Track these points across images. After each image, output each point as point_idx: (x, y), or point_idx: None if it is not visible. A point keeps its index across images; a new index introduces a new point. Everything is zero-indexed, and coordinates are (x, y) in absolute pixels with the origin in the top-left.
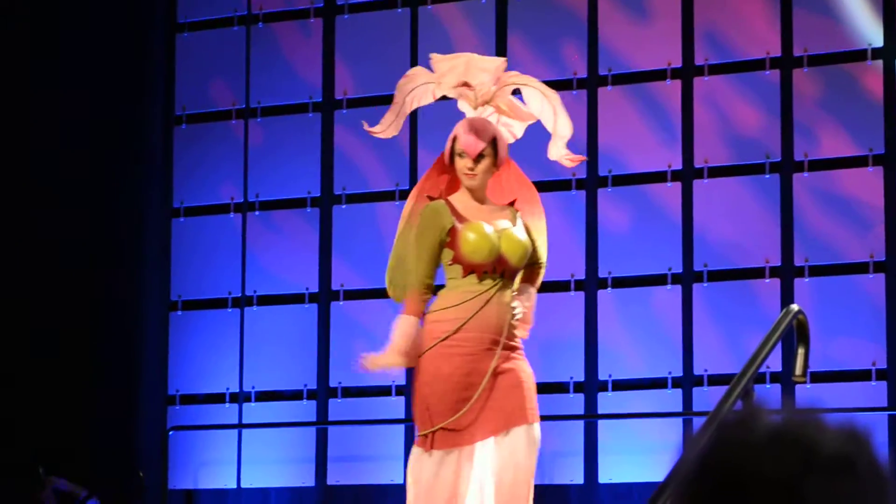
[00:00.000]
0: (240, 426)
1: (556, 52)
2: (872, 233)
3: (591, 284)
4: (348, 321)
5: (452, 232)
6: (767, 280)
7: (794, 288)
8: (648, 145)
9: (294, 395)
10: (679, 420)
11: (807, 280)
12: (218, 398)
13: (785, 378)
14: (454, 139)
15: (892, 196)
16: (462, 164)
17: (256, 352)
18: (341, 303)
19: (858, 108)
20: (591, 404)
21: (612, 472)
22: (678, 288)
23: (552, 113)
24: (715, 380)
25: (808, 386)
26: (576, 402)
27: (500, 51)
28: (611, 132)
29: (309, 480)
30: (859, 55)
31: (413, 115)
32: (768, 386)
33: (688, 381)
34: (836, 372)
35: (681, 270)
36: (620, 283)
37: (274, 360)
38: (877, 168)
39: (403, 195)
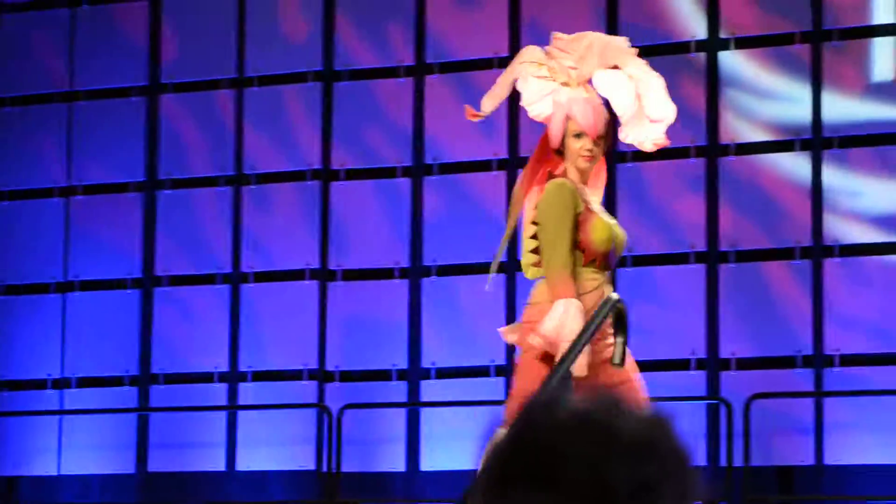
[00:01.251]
0: (60, 412)
1: (384, 38)
2: (701, 221)
3: (415, 272)
4: (172, 307)
5: (583, 215)
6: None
7: (619, 277)
8: (474, 134)
9: (115, 382)
10: (500, 408)
11: (627, 270)
12: (39, 384)
13: None
14: (567, 119)
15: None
16: (580, 146)
17: (78, 338)
18: (165, 288)
19: (680, 101)
20: (413, 392)
21: (434, 459)
22: (501, 276)
23: (632, 94)
24: None
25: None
26: (399, 390)
27: (328, 34)
28: (437, 121)
29: (130, 467)
30: (683, 47)
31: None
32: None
33: (510, 370)
34: (656, 361)
35: (505, 259)
36: (445, 271)
37: (96, 346)
38: (699, 160)
39: (229, 181)
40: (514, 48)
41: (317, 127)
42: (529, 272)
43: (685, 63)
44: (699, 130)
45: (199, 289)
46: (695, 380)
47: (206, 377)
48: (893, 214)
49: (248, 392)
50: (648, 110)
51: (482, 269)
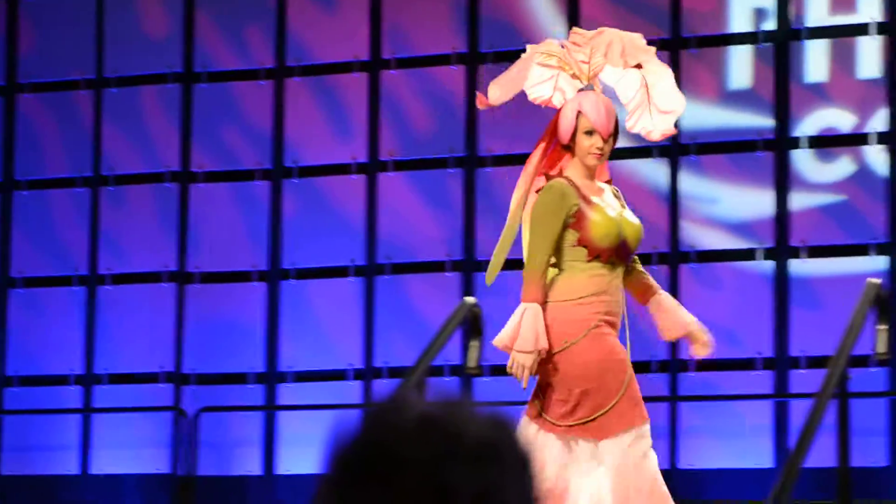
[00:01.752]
0: None
1: (244, 40)
2: None
3: (273, 275)
4: (27, 308)
5: (579, 213)
6: (448, 273)
7: (475, 281)
8: (333, 138)
9: None
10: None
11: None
12: None
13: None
14: (578, 116)
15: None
16: (591, 143)
17: None
18: (20, 290)
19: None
20: (270, 395)
21: (290, 463)
22: (361, 280)
23: (638, 83)
24: (396, 372)
25: (487, 378)
26: (256, 393)
27: (188, 35)
28: (296, 124)
29: None
30: None
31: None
32: (448, 378)
33: (368, 374)
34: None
35: (364, 263)
36: (303, 274)
37: None
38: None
39: (87, 182)
40: (375, 52)
41: (176, 128)
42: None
43: None
44: None
45: (56, 290)
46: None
47: (62, 380)
48: (748, 221)
49: (104, 395)
50: (657, 101)
51: (340, 272)
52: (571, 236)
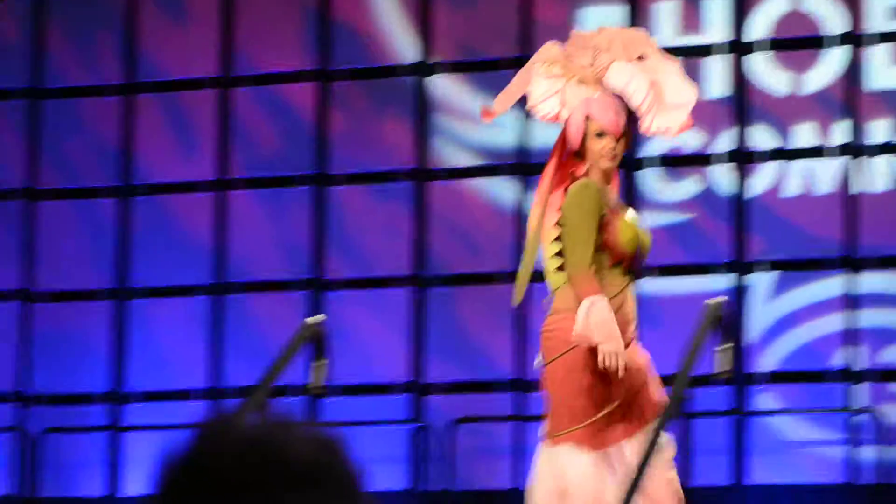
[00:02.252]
0: None
1: (94, 56)
2: (404, 247)
3: (120, 294)
4: None
5: (607, 217)
6: (295, 293)
7: (326, 300)
8: (182, 156)
9: None
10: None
11: (337, 293)
12: None
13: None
14: (586, 119)
15: (422, 213)
16: (603, 145)
17: None
18: None
19: (388, 127)
20: (115, 415)
21: (135, 484)
22: (208, 299)
23: (646, 85)
24: (242, 392)
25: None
26: (101, 413)
27: (37, 50)
28: (145, 141)
29: None
30: (392, 71)
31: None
32: (294, 399)
33: (214, 394)
34: (362, 385)
35: (212, 281)
36: (151, 292)
37: None
38: (407, 183)
39: None
40: (226, 69)
41: (22, 145)
42: (552, 278)
43: (394, 87)
44: (408, 156)
45: None
46: (399, 403)
47: None
48: None
49: None
50: (668, 96)
51: (187, 291)
52: (597, 240)
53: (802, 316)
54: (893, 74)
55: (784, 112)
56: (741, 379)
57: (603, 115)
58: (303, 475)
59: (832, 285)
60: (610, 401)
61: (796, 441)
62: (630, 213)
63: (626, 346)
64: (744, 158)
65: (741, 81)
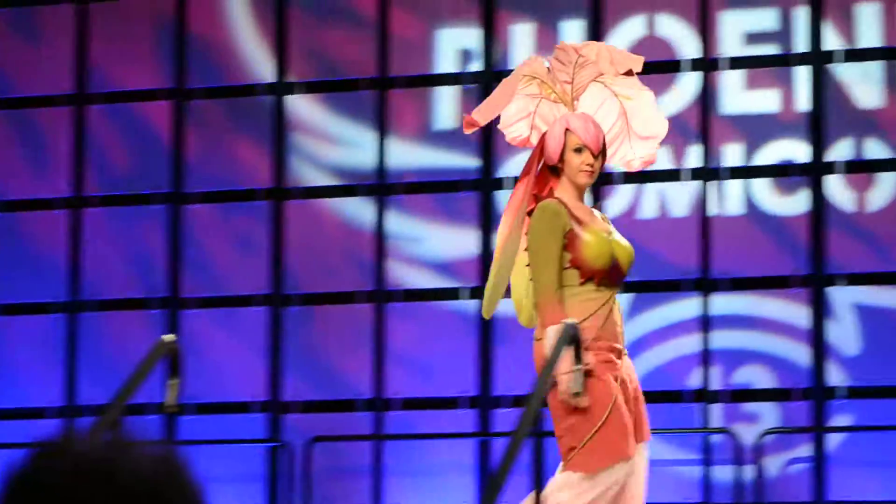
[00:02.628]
0: None
1: None
2: (261, 266)
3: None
4: None
5: (571, 234)
6: (152, 311)
7: (182, 319)
8: (36, 172)
9: None
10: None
11: (193, 312)
12: None
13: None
14: (566, 133)
15: (280, 232)
16: (581, 161)
17: None
18: None
19: (257, 141)
20: None
21: None
22: (63, 317)
23: (616, 113)
24: (97, 410)
25: (192, 417)
26: None
27: None
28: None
29: None
30: (250, 90)
31: None
32: (150, 418)
33: (69, 412)
34: (218, 403)
35: (67, 299)
36: (7, 310)
37: None
38: (266, 202)
39: None
40: (81, 86)
41: None
42: (528, 303)
43: (251, 106)
44: (265, 175)
45: None
46: (256, 422)
47: None
48: (453, 260)
49: None
50: (638, 128)
51: (42, 308)
52: (564, 258)
53: (657, 337)
54: (745, 99)
55: None
56: None
57: (583, 129)
58: (140, 494)
59: (687, 307)
60: (594, 421)
61: (652, 460)
62: (602, 226)
63: (618, 357)
64: (600, 181)
65: None
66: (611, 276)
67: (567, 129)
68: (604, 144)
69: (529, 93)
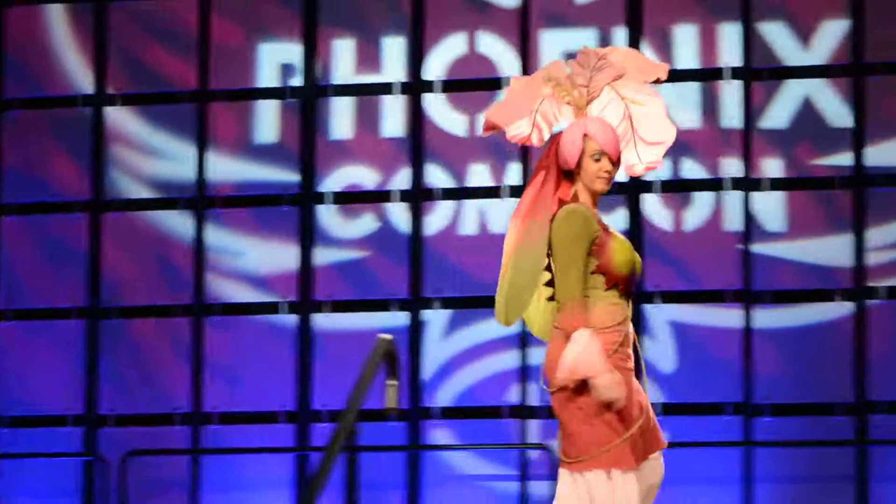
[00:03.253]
0: None
1: None
2: (78, 279)
3: None
4: None
5: (599, 240)
6: (73, 320)
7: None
8: None
9: None
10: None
11: (7, 324)
12: None
13: None
14: (585, 139)
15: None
16: (599, 167)
17: None
18: None
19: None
20: None
21: None
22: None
23: (620, 116)
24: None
25: (4, 430)
26: None
27: None
28: None
29: None
30: (69, 101)
31: None
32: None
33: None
34: (33, 417)
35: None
36: None
37: None
38: (82, 214)
39: None
40: None
41: None
42: (544, 307)
43: (71, 117)
44: (85, 186)
45: None
46: (71, 436)
47: None
48: (273, 275)
49: None
50: (644, 133)
51: None
52: (590, 264)
53: (476, 353)
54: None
55: (460, 152)
56: (415, 414)
57: (602, 135)
58: None
59: None
60: (630, 421)
61: (470, 476)
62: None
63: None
64: (420, 197)
65: (418, 121)
66: (629, 285)
67: (585, 135)
68: (620, 152)
69: (543, 93)
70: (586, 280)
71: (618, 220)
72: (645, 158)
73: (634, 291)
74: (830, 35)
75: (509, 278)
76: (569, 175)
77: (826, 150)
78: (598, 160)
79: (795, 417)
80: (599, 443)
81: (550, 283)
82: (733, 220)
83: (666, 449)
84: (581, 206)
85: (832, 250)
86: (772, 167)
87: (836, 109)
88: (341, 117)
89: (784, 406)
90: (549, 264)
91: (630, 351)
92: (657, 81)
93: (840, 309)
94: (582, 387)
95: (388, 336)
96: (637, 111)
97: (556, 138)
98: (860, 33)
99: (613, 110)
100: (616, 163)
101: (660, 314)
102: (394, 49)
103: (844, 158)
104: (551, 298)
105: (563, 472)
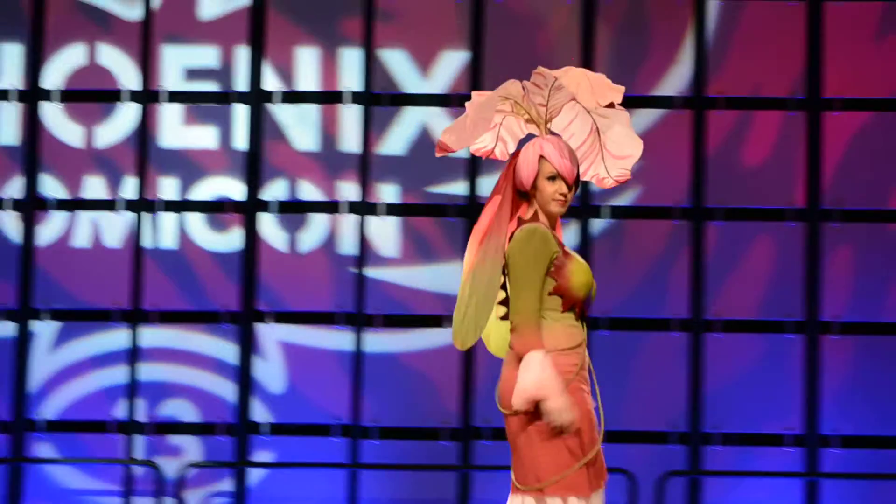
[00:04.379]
0: None
1: None
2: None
3: None
4: None
5: (558, 261)
6: None
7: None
8: None
9: None
10: None
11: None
12: None
13: None
14: (540, 160)
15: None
16: (554, 189)
17: None
18: None
19: None
20: None
21: None
22: None
23: (587, 129)
24: None
25: None
26: None
27: None
28: None
29: None
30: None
31: None
32: None
33: None
34: None
35: None
36: None
37: None
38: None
39: None
40: None
41: None
42: (496, 327)
43: None
44: None
45: None
46: None
47: None
48: None
49: None
50: (611, 146)
51: None
52: (547, 284)
53: (85, 367)
54: (184, 134)
55: (75, 163)
56: (19, 426)
57: (557, 157)
58: None
59: (116, 338)
60: (589, 445)
61: (75, 490)
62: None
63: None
64: (33, 206)
65: (33, 130)
66: (585, 307)
67: (541, 157)
68: (577, 175)
69: (502, 109)
70: (542, 301)
71: (234, 239)
72: (613, 172)
73: (587, 315)
74: (448, 66)
75: (466, 300)
76: (525, 195)
77: (442, 177)
78: (553, 182)
79: (402, 441)
80: (558, 468)
81: (504, 302)
82: (348, 244)
83: (273, 469)
84: (541, 225)
85: (445, 276)
86: (388, 192)
87: None
88: None
89: (391, 430)
90: (504, 283)
91: (586, 374)
92: (610, 106)
93: (448, 335)
94: (539, 409)
95: None
96: (603, 125)
97: (513, 159)
98: (478, 64)
99: (580, 124)
100: (572, 186)
101: (272, 333)
102: (11, 56)
103: (459, 187)
104: (504, 317)
105: (513, 499)
